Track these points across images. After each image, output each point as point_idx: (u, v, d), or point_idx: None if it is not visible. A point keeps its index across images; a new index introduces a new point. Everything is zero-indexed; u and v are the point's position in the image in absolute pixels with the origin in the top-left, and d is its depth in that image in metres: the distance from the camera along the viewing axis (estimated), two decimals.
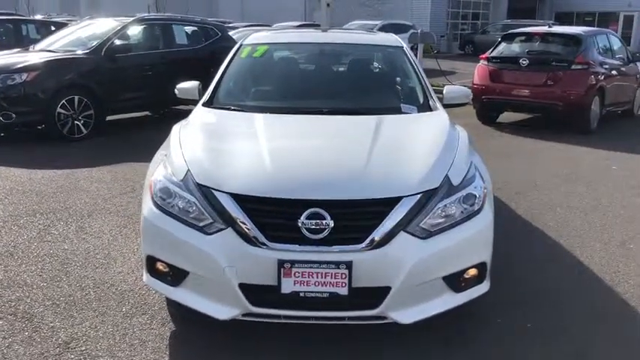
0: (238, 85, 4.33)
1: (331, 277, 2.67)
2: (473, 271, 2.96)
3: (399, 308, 2.77)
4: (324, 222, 2.68)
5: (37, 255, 4.10)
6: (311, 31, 5.60)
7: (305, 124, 3.61)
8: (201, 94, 4.20)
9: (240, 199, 2.77)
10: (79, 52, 8.28)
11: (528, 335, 3.19)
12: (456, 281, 2.90)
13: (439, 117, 3.79)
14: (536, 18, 38.19)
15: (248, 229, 2.71)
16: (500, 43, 9.78)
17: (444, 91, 4.16)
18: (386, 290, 2.73)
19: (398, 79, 4.35)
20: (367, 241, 2.70)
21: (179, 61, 9.33)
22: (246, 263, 2.71)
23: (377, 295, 2.73)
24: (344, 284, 2.68)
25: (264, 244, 2.69)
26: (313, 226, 2.68)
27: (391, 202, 2.77)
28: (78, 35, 9.05)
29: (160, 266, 2.99)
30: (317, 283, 2.68)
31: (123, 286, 3.66)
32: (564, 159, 7.47)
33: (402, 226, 2.74)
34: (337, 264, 2.66)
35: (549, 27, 9.90)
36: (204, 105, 3.96)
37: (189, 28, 9.90)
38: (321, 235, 2.68)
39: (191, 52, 9.63)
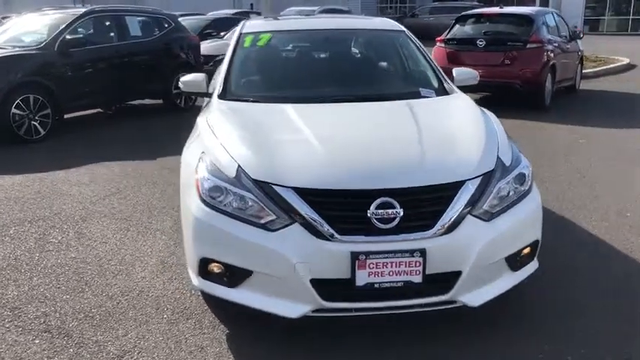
0: (250, 76, 4.19)
1: (405, 266, 2.65)
2: (527, 250, 3.02)
3: (467, 291, 2.79)
4: (394, 211, 2.65)
5: (45, 266, 3.84)
6: (307, 18, 5.48)
7: (338, 112, 3.54)
8: (207, 87, 4.04)
9: (304, 192, 2.69)
10: (29, 47, 7.77)
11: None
12: (514, 260, 2.95)
13: (464, 100, 3.81)
14: None
15: (317, 223, 2.64)
16: (454, 25, 9.99)
17: (454, 74, 4.19)
18: (457, 275, 2.73)
19: (409, 62, 4.33)
20: (437, 226, 2.68)
21: (134, 54, 8.99)
22: (318, 258, 2.64)
23: (448, 280, 2.74)
24: (418, 272, 2.66)
25: (335, 238, 2.63)
26: (384, 216, 2.64)
27: (456, 187, 2.77)
28: (22, 30, 8.50)
29: (214, 268, 2.86)
30: (391, 273, 2.65)
31: (153, 291, 3.49)
32: (532, 135, 7.73)
33: (468, 209, 2.75)
34: (412, 252, 2.64)
35: (500, 8, 10.19)
36: (220, 97, 3.80)
37: (141, 19, 9.50)
38: (391, 225, 2.65)
39: (145, 44, 9.26)
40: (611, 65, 15.13)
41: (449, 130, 3.26)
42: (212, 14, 17.36)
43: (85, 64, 8.16)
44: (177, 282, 3.59)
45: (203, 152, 3.08)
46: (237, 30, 4.52)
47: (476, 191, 2.79)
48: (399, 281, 2.66)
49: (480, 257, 2.74)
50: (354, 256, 2.61)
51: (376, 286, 2.66)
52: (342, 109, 3.58)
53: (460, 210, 2.72)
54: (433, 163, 2.89)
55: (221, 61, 4.40)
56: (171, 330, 3.07)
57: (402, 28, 4.63)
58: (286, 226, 2.67)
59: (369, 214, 2.64)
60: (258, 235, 2.70)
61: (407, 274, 2.66)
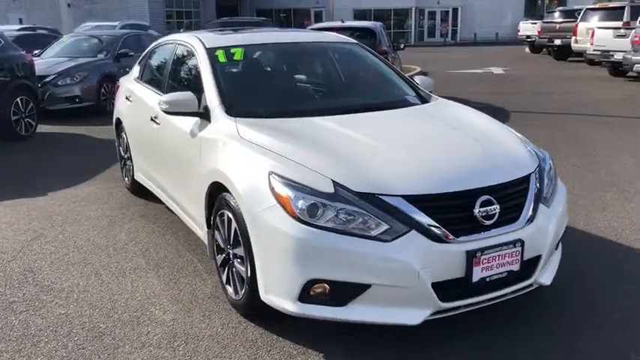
0: (247, 92, 3.97)
1: (509, 257, 2.85)
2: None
3: (542, 272, 3.09)
4: (494, 207, 2.83)
5: (37, 333, 3.21)
6: (263, 32, 5.28)
7: (370, 122, 3.56)
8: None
9: (413, 199, 2.74)
10: None
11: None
12: (560, 240, 3.34)
13: (459, 105, 4.11)
14: (240, 14, 40.37)
15: (434, 228, 2.70)
16: None
17: (417, 81, 4.48)
18: (538, 258, 3.02)
19: (381, 72, 4.50)
20: (524, 217, 2.94)
21: None
22: (437, 261, 2.71)
23: (534, 264, 3.01)
24: (517, 261, 2.88)
25: (451, 239, 2.73)
26: (487, 213, 2.81)
27: (527, 179, 3.06)
28: None
29: (317, 289, 2.75)
30: (498, 266, 2.83)
31: (209, 332, 3.16)
32: None
33: (539, 198, 3.06)
34: (514, 243, 2.85)
35: (342, 22, 10.84)
36: (229, 115, 3.56)
37: None
38: (492, 221, 2.83)
39: None
40: (408, 73, 17.01)
41: (484, 130, 3.53)
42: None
43: None
44: (223, 316, 3.29)
45: (271, 172, 2.91)
46: (192, 46, 4.24)
47: (537, 182, 3.11)
48: (504, 272, 2.86)
49: (553, 239, 3.07)
50: (471, 254, 2.74)
51: (487, 279, 2.82)
52: (367, 119, 3.62)
53: (535, 199, 3.02)
54: (505, 160, 3.14)
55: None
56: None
57: (354, 40, 4.80)
58: (403, 234, 2.69)
59: (475, 213, 2.79)
60: (374, 247, 2.67)
61: (509, 265, 2.86)
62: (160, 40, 5.32)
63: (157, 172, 4.65)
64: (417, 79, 4.49)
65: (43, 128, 9.16)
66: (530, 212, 2.97)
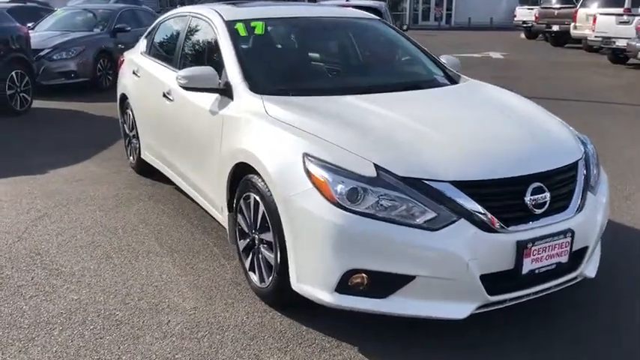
0: (269, 68, 3.75)
1: (558, 248, 2.69)
2: None
3: (588, 264, 2.94)
4: (544, 195, 2.67)
5: (51, 319, 3.02)
6: (283, 5, 5.03)
7: (405, 101, 3.37)
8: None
9: (462, 185, 2.56)
10: None
11: None
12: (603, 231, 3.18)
13: (493, 86, 3.91)
14: None
15: (483, 216, 2.53)
16: None
17: (443, 61, 4.28)
18: (584, 250, 2.86)
19: (406, 50, 4.29)
20: (574, 205, 2.78)
21: None
22: (487, 252, 2.55)
23: (581, 256, 2.85)
24: (566, 252, 2.73)
25: (502, 229, 2.56)
26: (538, 201, 2.65)
27: (576, 166, 2.89)
28: None
29: (356, 279, 2.57)
30: (547, 257, 2.67)
31: (233, 321, 2.98)
32: None
33: (587, 185, 2.89)
34: (564, 233, 2.69)
35: (347, 0, 10.57)
36: (254, 92, 3.35)
37: None
38: (542, 209, 2.67)
39: None
40: None
41: (526, 114, 3.35)
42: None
43: None
44: (247, 305, 3.12)
45: (306, 153, 2.71)
46: (209, 19, 4.01)
47: (585, 168, 2.94)
48: (553, 263, 2.70)
49: (600, 229, 2.92)
50: (521, 244, 2.57)
51: (536, 272, 2.66)
52: (402, 98, 3.42)
53: (583, 187, 2.85)
54: (553, 145, 2.97)
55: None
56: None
57: (375, 16, 4.59)
58: (452, 222, 2.51)
59: (526, 201, 2.62)
60: (420, 236, 2.50)
61: (558, 256, 2.70)
62: (170, 13, 5.06)
63: (168, 151, 4.43)
64: (443, 59, 4.29)
65: (37, 104, 8.85)
66: (579, 200, 2.81)
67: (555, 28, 21.40)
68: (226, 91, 3.47)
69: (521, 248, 2.57)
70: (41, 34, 10.26)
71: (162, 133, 4.49)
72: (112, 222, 4.30)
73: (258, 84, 3.41)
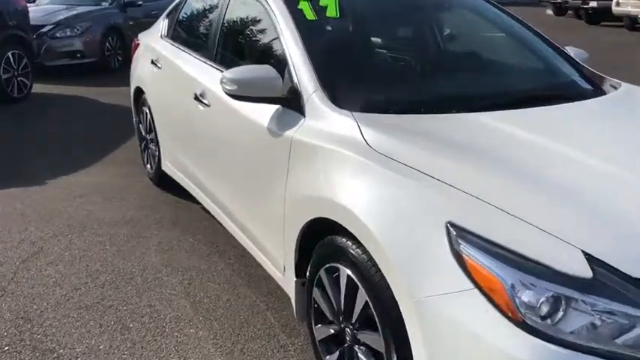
0: (356, 70, 2.64)
1: None
2: None
3: None
4: None
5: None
6: None
7: (556, 124, 2.27)
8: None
9: None
10: None
11: None
12: None
13: None
14: None
15: None
16: None
17: (570, 53, 3.15)
18: None
19: (526, 40, 3.15)
20: None
21: None
22: None
23: None
24: None
25: None
26: None
27: None
28: None
29: None
30: None
31: None
32: None
33: None
34: None
35: None
36: (339, 107, 2.27)
37: None
38: None
39: None
40: None
41: None
42: None
43: None
44: None
45: (454, 224, 1.64)
46: None
47: None
48: None
49: None
50: None
51: None
52: (556, 117, 2.33)
53: None
54: None
55: None
56: None
57: None
58: None
59: None
60: None
61: None
62: None
63: (200, 171, 3.38)
64: (570, 51, 3.17)
65: (38, 88, 7.79)
66: None
67: (593, 4, 19.98)
68: (293, 103, 2.40)
69: None
70: (42, 9, 9.16)
71: (192, 146, 3.43)
72: (126, 264, 3.26)
73: (344, 94, 2.33)
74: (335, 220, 2.00)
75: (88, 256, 3.36)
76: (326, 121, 2.24)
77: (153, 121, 4.15)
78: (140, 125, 4.54)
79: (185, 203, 4.05)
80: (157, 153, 4.17)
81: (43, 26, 8.50)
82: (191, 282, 3.08)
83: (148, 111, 4.23)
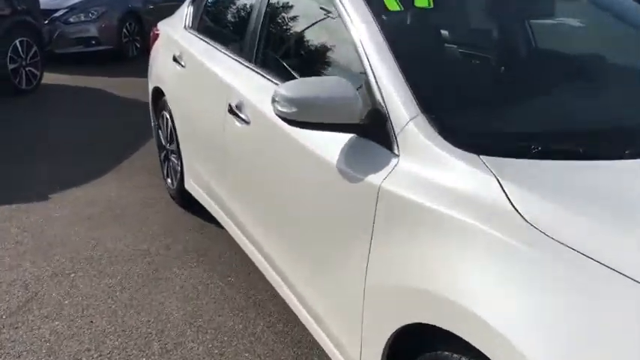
0: (470, 83, 1.88)
1: None
2: None
3: None
4: None
5: None
6: None
7: None
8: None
9: None
10: None
11: None
12: None
13: None
14: None
15: None
16: None
17: None
18: None
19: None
20: None
21: None
22: None
23: None
24: None
25: None
26: None
27: None
28: None
29: None
30: None
31: None
32: None
33: None
34: None
35: None
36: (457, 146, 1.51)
37: None
38: None
39: None
40: None
41: None
42: None
43: None
44: None
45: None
46: None
47: None
48: None
49: None
50: None
51: None
52: None
53: None
54: None
55: None
56: None
57: None
58: None
59: None
60: None
61: None
62: None
63: (234, 201, 2.66)
64: None
65: (49, 78, 7.12)
66: None
67: None
68: (376, 133, 1.66)
69: None
70: None
71: (224, 170, 2.70)
72: (141, 320, 2.57)
73: (460, 123, 1.58)
74: (457, 334, 1.26)
75: (93, 306, 2.67)
76: (435, 165, 1.49)
77: (175, 129, 3.43)
78: (160, 131, 3.83)
79: (214, 230, 3.35)
80: (179, 168, 3.46)
81: (55, 10, 7.83)
82: (222, 351, 2.37)
83: (168, 116, 3.52)
